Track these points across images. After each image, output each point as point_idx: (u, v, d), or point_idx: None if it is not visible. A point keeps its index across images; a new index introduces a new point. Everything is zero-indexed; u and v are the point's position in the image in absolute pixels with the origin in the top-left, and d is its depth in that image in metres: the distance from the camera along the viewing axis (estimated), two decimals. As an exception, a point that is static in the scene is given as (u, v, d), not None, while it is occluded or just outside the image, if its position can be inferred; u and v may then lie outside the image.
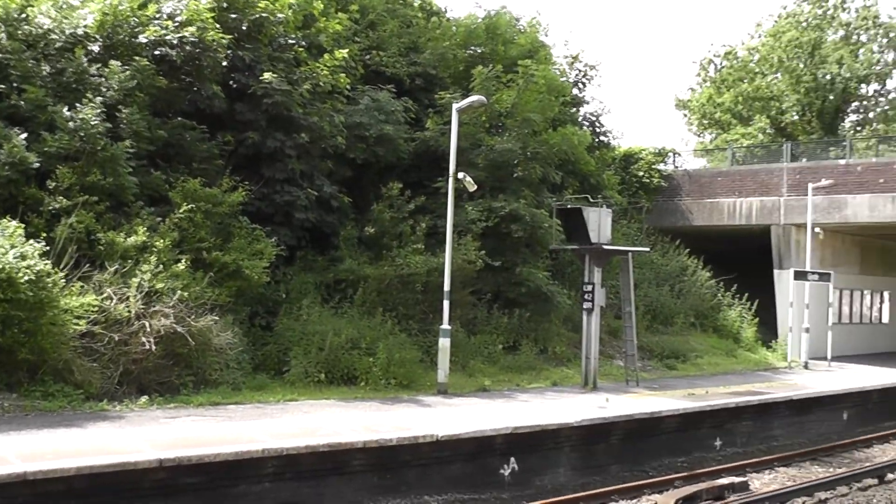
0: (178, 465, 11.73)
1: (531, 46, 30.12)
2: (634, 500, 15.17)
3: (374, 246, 23.25)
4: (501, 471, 15.59)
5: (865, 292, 39.79)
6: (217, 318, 17.48)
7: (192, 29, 19.91)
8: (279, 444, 12.87)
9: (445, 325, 19.92)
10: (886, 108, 54.72)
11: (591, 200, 24.06)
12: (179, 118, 20.47)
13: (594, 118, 34.73)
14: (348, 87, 23.77)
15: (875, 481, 17.73)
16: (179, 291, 17.00)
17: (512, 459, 15.71)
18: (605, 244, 21.91)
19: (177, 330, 16.51)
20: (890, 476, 18.24)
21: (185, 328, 16.63)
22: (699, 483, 16.01)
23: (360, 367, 19.57)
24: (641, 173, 36.02)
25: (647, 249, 29.44)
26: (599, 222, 21.70)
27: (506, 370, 22.94)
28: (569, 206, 23.14)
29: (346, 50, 23.66)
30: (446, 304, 20.06)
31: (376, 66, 26.67)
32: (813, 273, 31.27)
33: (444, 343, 19.72)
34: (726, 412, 20.49)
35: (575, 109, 33.29)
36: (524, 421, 16.24)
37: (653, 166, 36.43)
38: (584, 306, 22.09)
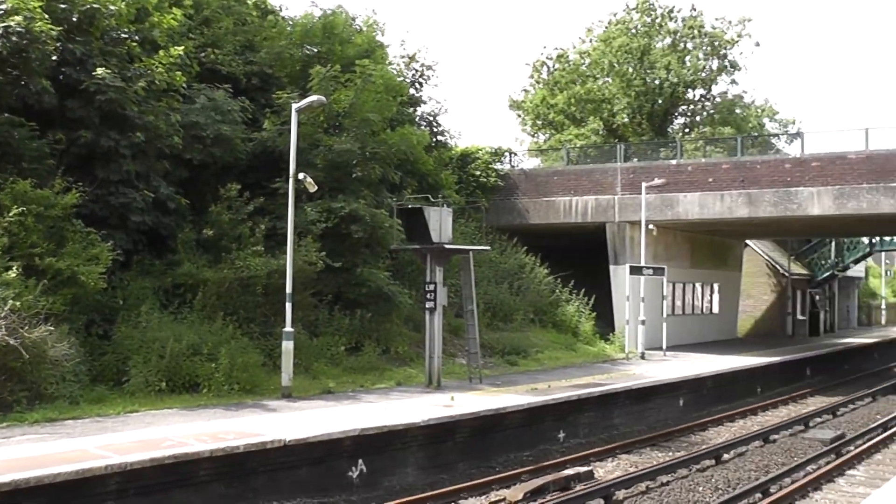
0: (15, 489, 10.96)
1: (368, 46, 29.96)
2: (483, 497, 15.19)
3: (212, 248, 22.57)
4: (350, 473, 15.36)
5: (697, 285, 41.48)
6: (52, 328, 16.53)
7: (18, 18, 18.78)
8: (122, 458, 12.26)
9: (288, 328, 19.56)
10: (712, 111, 57.33)
11: (432, 200, 24.05)
12: (6, 114, 19.26)
13: (431, 118, 34.85)
14: (184, 85, 23.03)
15: (713, 462, 18.43)
16: (11, 301, 15.96)
17: (360, 461, 15.50)
18: (447, 244, 21.90)
19: (9, 343, 15.51)
20: (726, 456, 18.99)
21: (18, 340, 15.65)
22: (545, 475, 16.19)
23: (203, 373, 18.97)
24: (478, 173, 36.35)
25: (487, 248, 29.70)
26: (440, 222, 21.67)
27: (349, 371, 22.66)
28: (410, 206, 23.04)
29: (182, 47, 22.88)
30: (289, 306, 19.68)
31: (212, 64, 25.97)
32: (647, 268, 32.37)
33: (287, 346, 19.35)
34: (568, 405, 20.84)
35: (412, 109, 33.31)
36: (371, 422, 16.02)
37: (489, 166, 36.83)
38: (427, 306, 22.01)
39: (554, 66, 55.86)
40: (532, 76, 56.37)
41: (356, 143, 25.13)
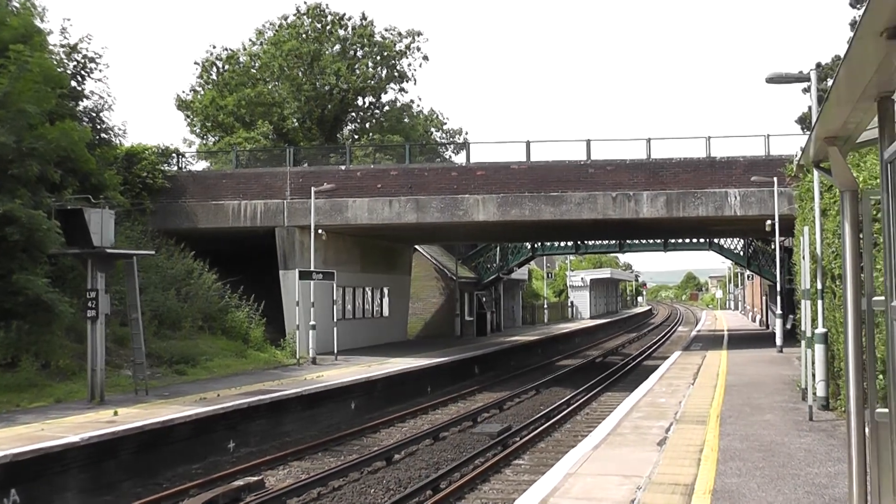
0: None
1: (25, 30, 27.42)
2: (148, 516, 14.34)
3: None
4: None
5: (367, 289, 42.23)
6: None
7: None
8: None
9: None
10: (382, 119, 58.70)
11: (94, 201, 22.52)
12: None
13: (95, 114, 32.70)
14: None
15: (384, 463, 18.69)
16: None
17: (13, 492, 14.07)
18: (109, 248, 20.62)
19: None
20: (397, 456, 19.36)
21: None
22: (215, 489, 15.66)
23: None
24: (145, 174, 34.61)
25: (153, 252, 28.36)
26: (102, 224, 20.35)
27: (4, 390, 20.62)
28: (69, 207, 21.42)
29: None
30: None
31: None
32: (317, 272, 32.43)
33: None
34: (238, 413, 20.35)
35: (74, 103, 31.07)
36: (25, 446, 14.61)
37: (157, 166, 35.21)
38: (88, 314, 20.60)
39: (224, 67, 54.64)
40: (202, 76, 54.76)
41: (11, 137, 23.00)
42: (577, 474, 11.85)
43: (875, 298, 6.99)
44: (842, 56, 5.20)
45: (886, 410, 6.66)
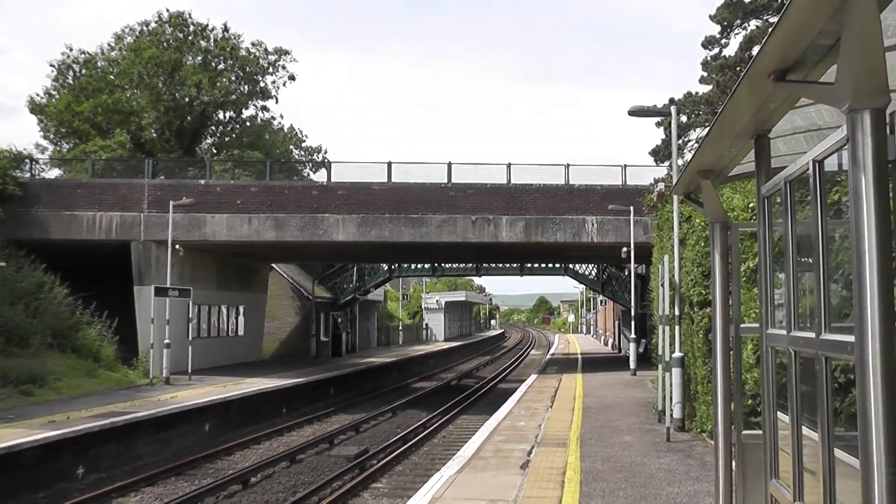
0: None
1: None
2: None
3: None
4: None
5: (223, 307, 41.31)
6: None
7: None
8: None
9: None
10: (242, 134, 57.74)
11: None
12: None
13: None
14: None
15: (240, 487, 18.27)
16: None
17: None
18: (-47, 257, 19.53)
19: None
20: (253, 480, 18.96)
21: None
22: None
23: None
24: (-6, 180, 32.95)
25: (3, 264, 27.02)
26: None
27: None
28: None
29: None
30: None
31: None
32: (174, 289, 31.58)
33: None
34: (88, 437, 19.54)
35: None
36: None
37: (7, 172, 33.57)
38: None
39: (81, 72, 52.67)
40: (57, 79, 52.57)
41: None
42: (442, 499, 11.87)
43: (742, 325, 7.31)
44: (729, 93, 5.42)
45: (753, 432, 6.95)
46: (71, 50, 52.87)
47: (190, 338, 33.34)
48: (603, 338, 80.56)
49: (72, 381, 27.81)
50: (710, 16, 42.45)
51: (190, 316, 33.86)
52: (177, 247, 32.60)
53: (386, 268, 56.96)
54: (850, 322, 3.53)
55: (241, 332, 44.21)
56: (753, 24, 41.68)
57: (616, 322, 65.18)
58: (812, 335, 4.47)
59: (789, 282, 5.31)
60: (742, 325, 7.22)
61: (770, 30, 4.15)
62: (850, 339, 3.48)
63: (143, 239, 33.80)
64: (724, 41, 42.63)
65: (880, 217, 3.35)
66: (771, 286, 5.95)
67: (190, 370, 32.30)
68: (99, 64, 53.40)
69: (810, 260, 4.75)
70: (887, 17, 4.06)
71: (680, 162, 22.77)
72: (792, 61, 4.41)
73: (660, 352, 18.55)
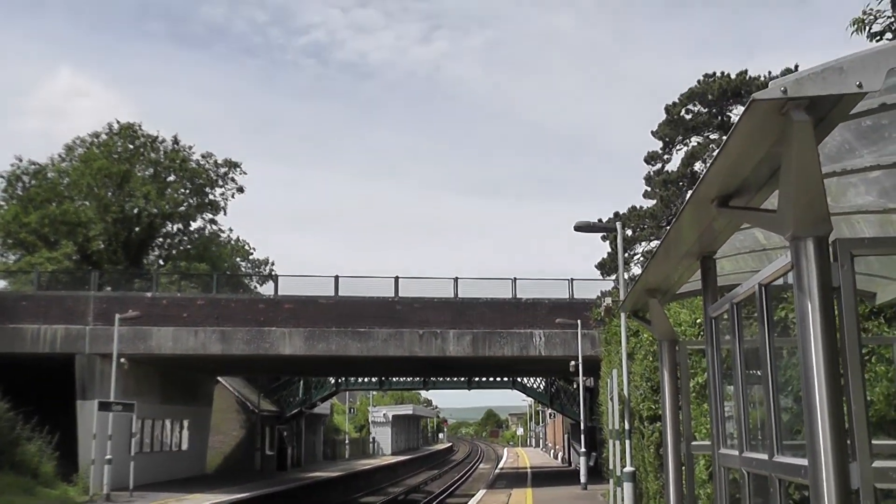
0: None
1: None
2: None
3: None
4: None
5: (167, 421, 40.43)
6: None
7: None
8: None
9: None
10: (189, 246, 57.47)
11: None
12: None
13: None
14: None
15: None
16: None
17: None
18: None
19: None
20: None
21: None
22: None
23: None
24: (-65, 293, 32.33)
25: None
26: None
27: None
28: None
29: None
30: None
31: None
32: (117, 404, 30.96)
33: None
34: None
35: None
36: None
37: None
38: None
39: (30, 182, 52.39)
40: (6, 190, 52.16)
41: None
42: None
43: (694, 443, 7.36)
44: (673, 216, 5.59)
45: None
46: (20, 161, 52.71)
47: (132, 453, 32.45)
48: (552, 451, 79.92)
49: (8, 499, 26.80)
50: (652, 132, 43.81)
51: (133, 430, 33.07)
52: (122, 360, 32.04)
53: (333, 381, 56.46)
54: (802, 439, 3.61)
55: (185, 447, 43.18)
56: (694, 139, 43.06)
57: (565, 435, 64.84)
58: (765, 457, 4.54)
59: (739, 401, 5.40)
60: (693, 443, 7.29)
61: (712, 158, 4.32)
62: (804, 462, 3.55)
63: (87, 352, 33.22)
64: (666, 157, 43.92)
65: (827, 343, 3.46)
66: (721, 406, 6.04)
67: (132, 486, 31.33)
68: (49, 175, 53.22)
69: (759, 374, 4.85)
70: (826, 145, 4.26)
71: (626, 276, 23.14)
72: (734, 188, 4.57)
73: (611, 466, 18.50)
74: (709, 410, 6.52)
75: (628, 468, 17.22)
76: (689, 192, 5.06)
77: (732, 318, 5.53)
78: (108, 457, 30.32)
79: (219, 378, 50.09)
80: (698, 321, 12.84)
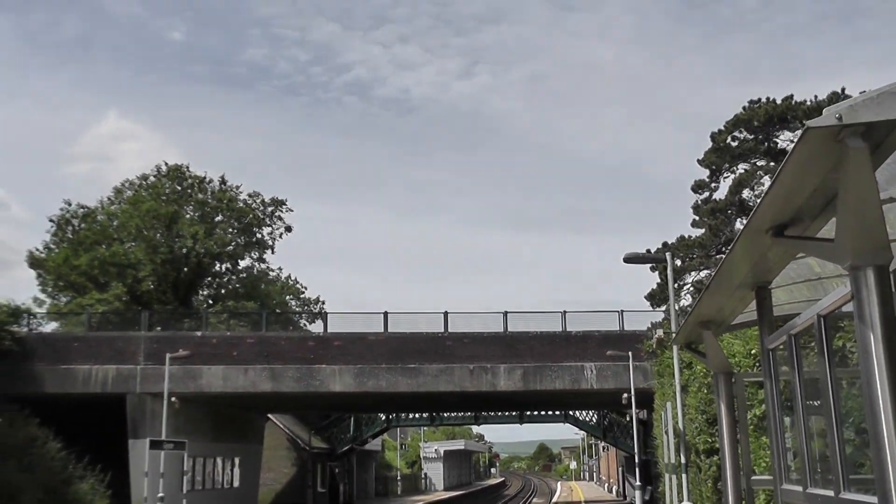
0: None
1: None
2: None
3: None
4: None
5: (218, 458, 40.58)
6: None
7: None
8: None
9: None
10: (238, 285, 57.84)
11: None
12: None
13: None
14: None
15: None
16: None
17: None
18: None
19: None
20: None
21: None
22: None
23: None
24: (-8, 334, 32.86)
25: (-5, 421, 26.67)
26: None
27: None
28: None
29: None
30: None
31: None
32: (168, 442, 31.12)
33: None
34: None
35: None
36: None
37: (5, 327, 33.51)
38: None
39: (80, 225, 53.25)
40: (56, 234, 53.07)
41: None
42: None
43: (754, 478, 7.18)
44: (727, 248, 5.50)
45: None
46: (70, 205, 53.58)
47: (184, 491, 32.63)
48: (606, 484, 78.97)
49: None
50: (698, 160, 43.36)
51: (184, 468, 33.22)
52: (173, 399, 32.27)
53: (384, 417, 56.32)
54: (868, 472, 3.49)
55: (236, 484, 43.29)
56: (742, 167, 42.54)
57: (620, 468, 64.04)
58: (831, 493, 4.40)
59: (801, 434, 5.26)
60: (753, 478, 7.10)
61: (764, 187, 4.23)
62: (873, 500, 3.42)
63: (138, 391, 33.50)
64: (713, 185, 43.40)
65: (891, 374, 3.34)
66: (782, 440, 5.89)
67: (184, 525, 31.47)
68: (98, 217, 54.03)
69: (819, 406, 4.72)
70: (883, 171, 4.15)
71: (677, 307, 22.88)
72: (789, 217, 4.48)
73: (668, 501, 18.17)
74: (769, 444, 6.37)
75: (686, 503, 16.90)
76: (743, 223, 4.97)
77: (790, 350, 5.40)
78: (160, 495, 30.49)
79: (269, 415, 50.23)
80: (752, 352, 12.61)
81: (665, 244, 41.76)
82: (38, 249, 52.94)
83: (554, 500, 67.79)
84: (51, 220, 53.38)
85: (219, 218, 55.71)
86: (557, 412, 56.78)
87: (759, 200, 4.31)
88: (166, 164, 55.28)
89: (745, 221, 4.93)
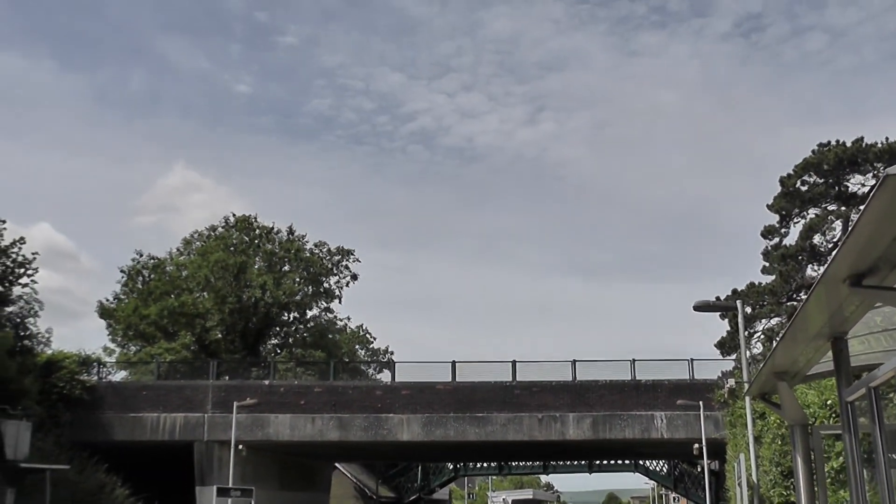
0: None
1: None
2: None
3: None
4: None
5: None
6: None
7: None
8: None
9: None
10: (305, 335, 58.20)
11: (11, 412, 21.62)
12: None
13: (19, 319, 31.83)
14: None
15: None
16: None
17: None
18: (22, 461, 19.64)
19: None
20: None
21: None
22: None
23: None
24: (63, 384, 33.39)
25: (66, 467, 27.06)
26: (18, 437, 19.50)
27: None
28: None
29: None
30: None
31: None
32: (235, 490, 31.18)
33: None
34: None
35: (-2, 308, 30.37)
36: None
37: (76, 376, 34.11)
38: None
39: (150, 276, 54.21)
40: (127, 284, 54.09)
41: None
42: None
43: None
44: (802, 298, 5.36)
45: None
46: (141, 255, 54.58)
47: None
48: (677, 537, 77.16)
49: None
50: (767, 205, 42.69)
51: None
52: (240, 447, 32.44)
53: (451, 466, 55.97)
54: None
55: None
56: (812, 211, 41.71)
57: (690, 520, 62.57)
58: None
59: (883, 489, 5.06)
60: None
61: (839, 235, 4.13)
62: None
63: (206, 439, 33.75)
64: (783, 230, 42.64)
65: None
66: (863, 494, 5.68)
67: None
68: (167, 268, 54.94)
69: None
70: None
71: (748, 355, 22.43)
72: (867, 266, 4.37)
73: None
74: (847, 498, 6.14)
75: (762, 559, 16.39)
76: (815, 269, 4.84)
77: (871, 402, 5.22)
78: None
79: (336, 464, 50.23)
80: (828, 402, 12.25)
81: (735, 291, 41.09)
82: (107, 300, 54.03)
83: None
84: (122, 271, 54.43)
85: (286, 268, 56.26)
86: (627, 461, 55.90)
87: (834, 250, 4.20)
88: (234, 214, 56.23)
89: (818, 269, 4.82)
